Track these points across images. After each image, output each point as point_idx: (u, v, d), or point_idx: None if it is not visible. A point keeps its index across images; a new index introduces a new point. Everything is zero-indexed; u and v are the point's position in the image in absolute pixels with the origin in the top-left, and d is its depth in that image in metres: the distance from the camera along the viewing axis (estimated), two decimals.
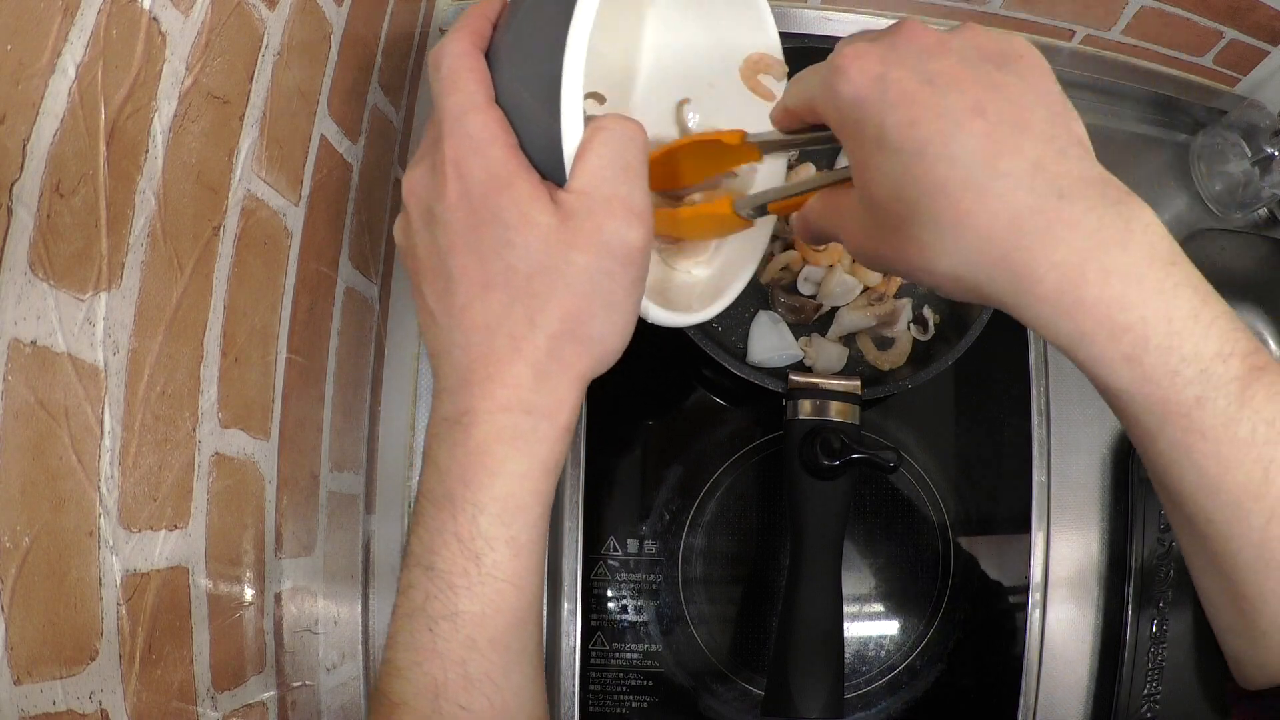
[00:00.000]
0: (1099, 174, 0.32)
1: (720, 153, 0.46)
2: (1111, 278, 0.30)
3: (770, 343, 0.63)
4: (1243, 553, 0.32)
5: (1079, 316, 0.30)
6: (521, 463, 0.35)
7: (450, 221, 0.36)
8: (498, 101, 0.37)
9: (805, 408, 0.57)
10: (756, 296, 0.65)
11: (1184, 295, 0.30)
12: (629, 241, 0.35)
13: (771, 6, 0.53)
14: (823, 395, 0.57)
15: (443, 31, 0.74)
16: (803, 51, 0.67)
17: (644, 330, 0.69)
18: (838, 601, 0.55)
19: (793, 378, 0.58)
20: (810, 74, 0.36)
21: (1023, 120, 0.31)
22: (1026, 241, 0.31)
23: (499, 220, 0.35)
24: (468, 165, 0.36)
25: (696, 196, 0.50)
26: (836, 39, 0.68)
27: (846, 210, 0.36)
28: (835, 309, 0.65)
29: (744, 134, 0.45)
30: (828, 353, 0.63)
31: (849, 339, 0.65)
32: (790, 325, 0.64)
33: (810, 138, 0.40)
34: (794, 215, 0.42)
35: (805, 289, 0.64)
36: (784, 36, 0.68)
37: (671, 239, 0.50)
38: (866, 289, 0.65)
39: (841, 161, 0.66)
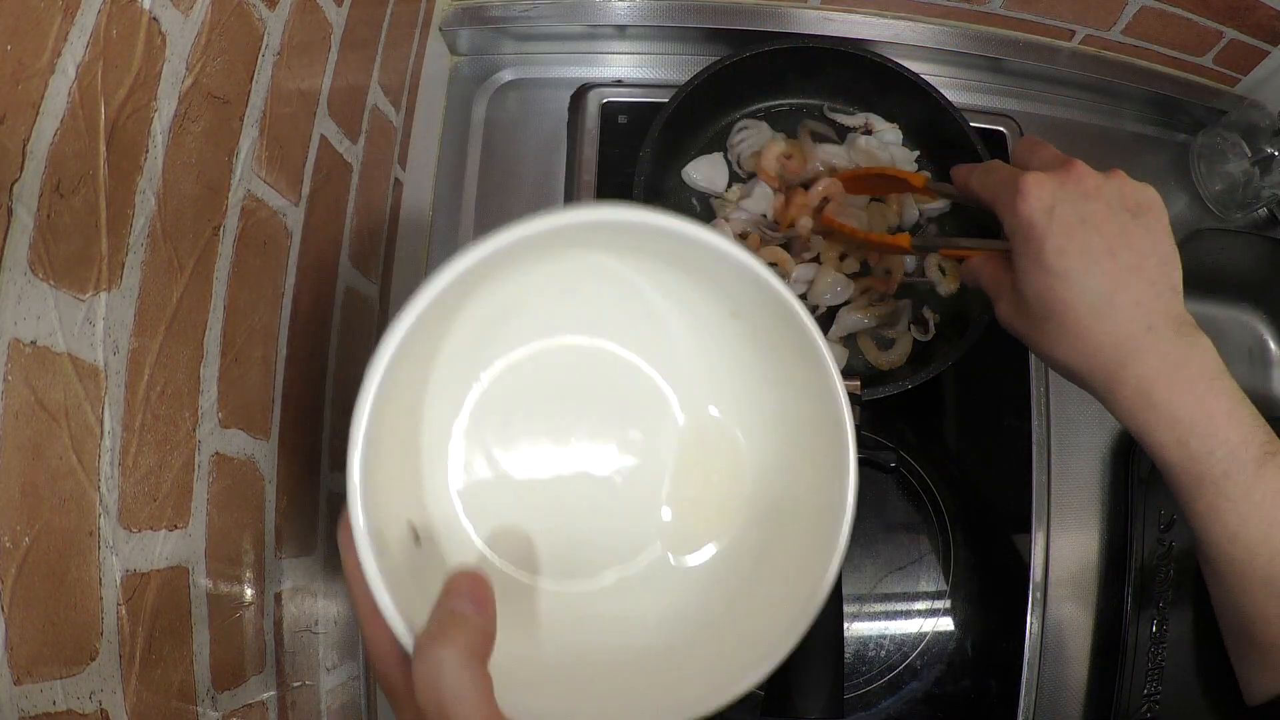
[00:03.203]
0: (1179, 313, 0.44)
1: (899, 184, 0.63)
2: (1174, 389, 0.43)
3: None
4: (1251, 586, 0.43)
5: (1148, 413, 0.43)
6: None
7: None
8: None
9: None
10: None
11: (1221, 401, 0.43)
12: None
13: (771, 7, 0.53)
14: None
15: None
16: (803, 50, 0.68)
17: None
18: (838, 602, 0.55)
19: None
20: (1000, 173, 0.48)
21: (1140, 266, 0.44)
22: (1121, 357, 0.44)
23: None
24: None
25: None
26: (836, 39, 0.69)
27: (1003, 285, 0.49)
28: (834, 309, 0.65)
29: (927, 178, 0.60)
30: None
31: (849, 339, 0.65)
32: None
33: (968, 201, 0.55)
34: (964, 265, 0.54)
35: (797, 289, 0.64)
36: (784, 36, 0.68)
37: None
38: (868, 289, 0.65)
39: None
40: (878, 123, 0.70)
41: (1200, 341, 0.44)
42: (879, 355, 0.64)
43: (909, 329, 0.65)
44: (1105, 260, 0.43)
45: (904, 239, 0.59)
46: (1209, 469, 0.42)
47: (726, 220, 0.66)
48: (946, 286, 0.66)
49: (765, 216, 0.66)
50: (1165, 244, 0.45)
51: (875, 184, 0.64)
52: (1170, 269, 0.45)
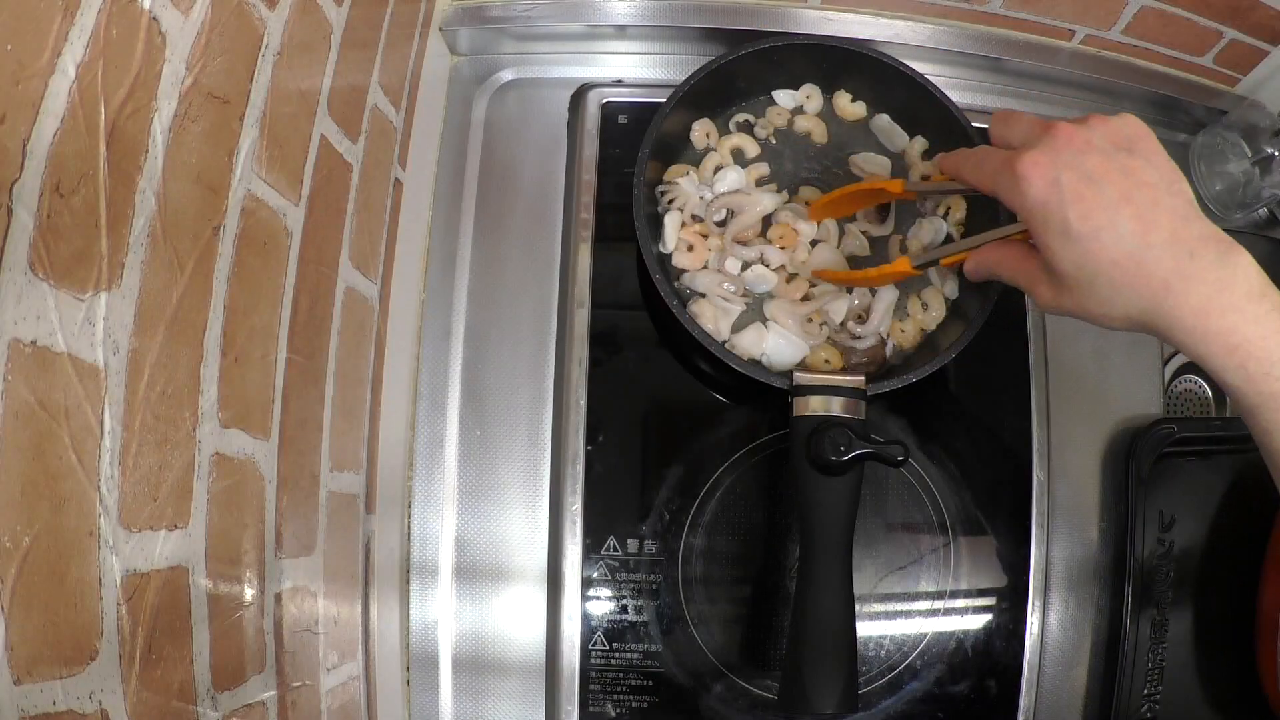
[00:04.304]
0: (1210, 231, 0.45)
1: (879, 195, 0.62)
2: (1227, 314, 0.44)
3: (777, 342, 0.63)
4: None
5: (1208, 343, 0.45)
6: None
7: None
8: None
9: (811, 404, 0.57)
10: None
11: (1273, 319, 0.44)
12: None
13: (771, 7, 0.53)
14: (828, 391, 0.57)
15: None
16: (803, 50, 0.68)
17: (644, 328, 0.69)
18: (849, 596, 0.55)
19: (798, 374, 0.58)
20: (991, 161, 0.48)
21: (1155, 199, 0.45)
22: (1171, 293, 0.44)
23: None
24: None
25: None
26: (836, 39, 0.69)
27: (1034, 272, 0.49)
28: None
29: (904, 183, 0.59)
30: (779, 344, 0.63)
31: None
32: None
33: (956, 189, 0.58)
34: (966, 262, 0.54)
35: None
36: (784, 36, 0.68)
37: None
38: (794, 276, 0.64)
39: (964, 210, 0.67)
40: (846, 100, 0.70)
41: (1241, 259, 0.45)
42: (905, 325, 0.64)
43: (920, 311, 0.65)
44: (1125, 206, 0.44)
45: (904, 264, 0.58)
46: (1268, 387, 0.44)
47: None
48: (951, 288, 0.66)
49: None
50: (1168, 168, 0.46)
51: (855, 200, 0.63)
52: (1181, 188, 0.46)
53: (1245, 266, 0.45)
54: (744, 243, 0.65)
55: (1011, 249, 0.51)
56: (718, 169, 0.67)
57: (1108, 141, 0.46)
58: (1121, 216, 0.44)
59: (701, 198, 0.66)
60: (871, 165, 0.68)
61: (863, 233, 0.66)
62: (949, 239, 0.66)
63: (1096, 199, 0.44)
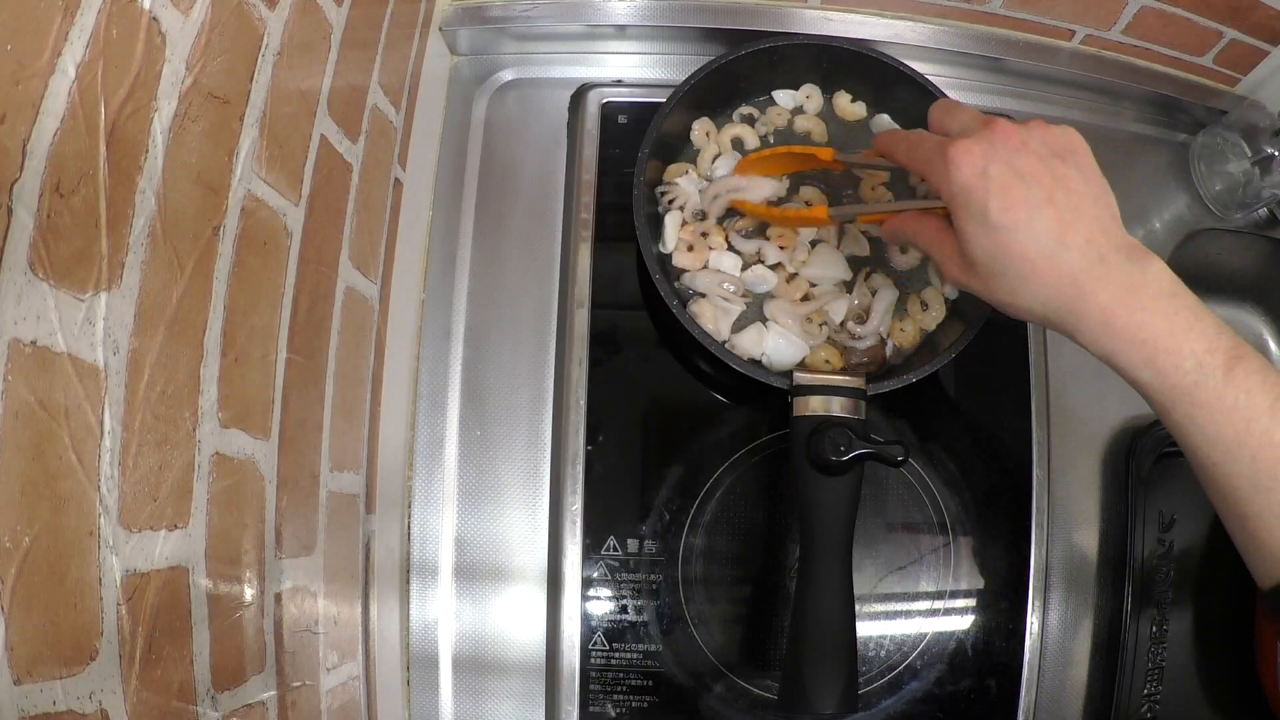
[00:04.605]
0: (1126, 241, 0.46)
1: (808, 160, 0.63)
2: (1134, 312, 0.44)
3: (777, 342, 0.63)
4: (1238, 484, 0.45)
5: (1114, 339, 0.45)
6: None
7: None
8: None
9: (811, 404, 0.57)
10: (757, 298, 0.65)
11: (1182, 316, 0.44)
12: None
13: (771, 7, 0.53)
14: (828, 391, 0.57)
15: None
16: (803, 49, 0.68)
17: (644, 328, 0.69)
18: (849, 596, 0.55)
19: (798, 374, 0.58)
20: (926, 145, 0.49)
21: (1079, 206, 0.46)
22: (1080, 292, 0.45)
23: None
24: None
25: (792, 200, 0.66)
26: (836, 39, 0.69)
27: (947, 249, 0.50)
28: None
29: (834, 152, 0.61)
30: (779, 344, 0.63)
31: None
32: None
33: (885, 166, 0.60)
34: (884, 224, 0.55)
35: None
36: (784, 36, 0.68)
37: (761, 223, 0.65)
38: (793, 276, 0.65)
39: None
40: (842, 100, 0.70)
41: (1152, 264, 0.45)
42: (906, 323, 0.65)
43: (921, 308, 0.65)
44: (1047, 207, 0.45)
45: (821, 211, 0.59)
46: (1179, 382, 0.44)
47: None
48: (907, 261, 0.66)
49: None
50: (1097, 181, 0.47)
51: (785, 162, 0.64)
52: (1108, 200, 0.47)
53: (1157, 270, 0.45)
54: (746, 233, 0.65)
55: (931, 221, 0.52)
56: (716, 158, 0.67)
57: (1044, 146, 0.47)
58: (1042, 216, 0.45)
59: (700, 191, 0.66)
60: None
61: (862, 233, 0.66)
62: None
63: (1021, 195, 0.45)
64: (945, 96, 0.66)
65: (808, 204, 0.66)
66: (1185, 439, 0.46)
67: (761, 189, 0.65)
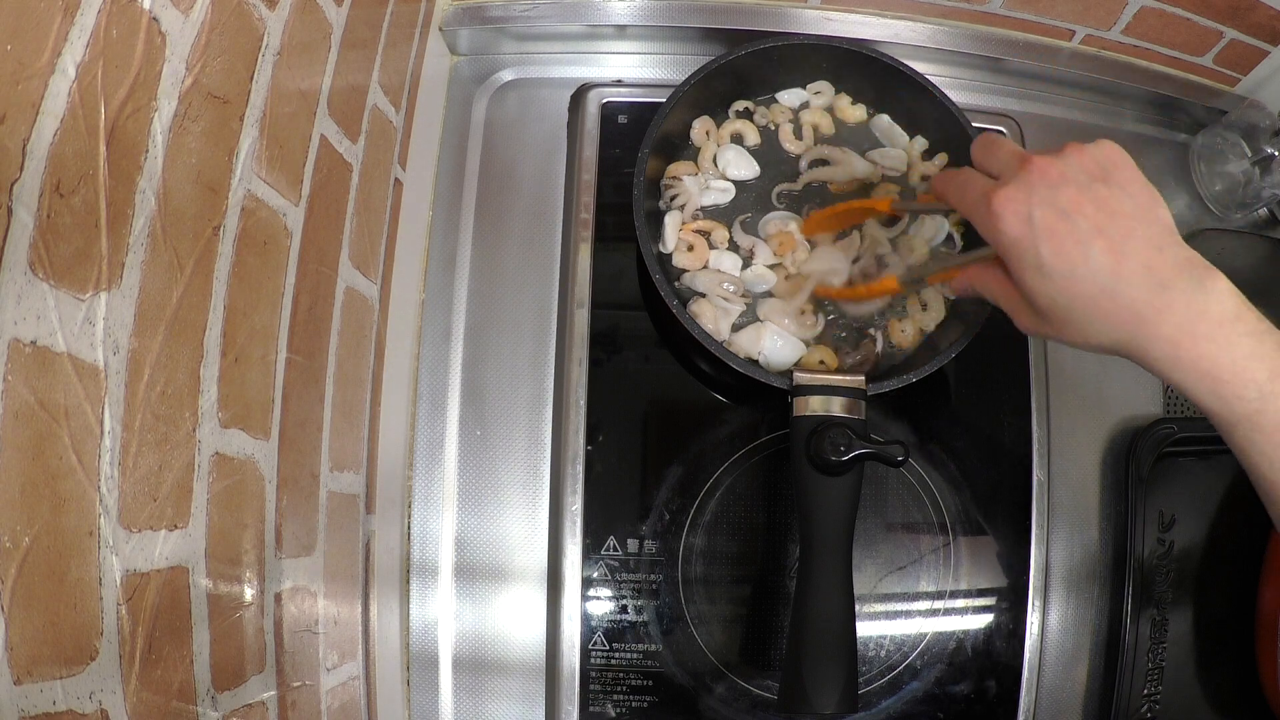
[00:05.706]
0: (1185, 257, 0.45)
1: (868, 212, 0.64)
2: (1198, 343, 0.44)
3: (774, 342, 0.63)
4: None
5: (1181, 369, 0.45)
6: None
7: None
8: None
9: (811, 404, 0.57)
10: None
11: (1245, 344, 0.44)
12: None
13: (771, 7, 0.53)
14: (828, 391, 0.57)
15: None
16: (803, 50, 0.68)
17: (644, 328, 0.69)
18: (849, 596, 0.55)
19: (798, 374, 0.58)
20: (971, 190, 0.48)
21: (1130, 230, 0.45)
22: (1145, 325, 0.45)
23: None
24: None
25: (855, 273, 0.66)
26: (836, 39, 0.69)
27: (1015, 299, 0.50)
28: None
29: (892, 200, 0.63)
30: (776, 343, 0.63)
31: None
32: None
33: (941, 209, 0.62)
34: (952, 283, 0.55)
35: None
36: (784, 36, 0.68)
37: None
38: (792, 276, 0.65)
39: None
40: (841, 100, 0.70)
41: (1215, 285, 0.45)
42: (901, 327, 0.65)
43: (921, 308, 0.65)
44: (1097, 240, 0.44)
45: (891, 282, 0.60)
46: (1241, 408, 0.44)
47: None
48: (933, 319, 0.65)
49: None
50: (1145, 195, 0.46)
51: (844, 218, 0.64)
52: (1158, 213, 0.46)
53: (1219, 292, 0.45)
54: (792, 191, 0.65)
55: (995, 273, 0.51)
56: (717, 149, 0.67)
57: (1083, 173, 0.46)
58: (1094, 250, 0.44)
59: (710, 185, 0.66)
60: (887, 159, 0.68)
61: (940, 292, 0.66)
62: (949, 238, 0.66)
63: (1069, 234, 0.45)
64: (946, 97, 0.66)
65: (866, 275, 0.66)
66: (1246, 459, 0.46)
67: (832, 260, 0.65)
